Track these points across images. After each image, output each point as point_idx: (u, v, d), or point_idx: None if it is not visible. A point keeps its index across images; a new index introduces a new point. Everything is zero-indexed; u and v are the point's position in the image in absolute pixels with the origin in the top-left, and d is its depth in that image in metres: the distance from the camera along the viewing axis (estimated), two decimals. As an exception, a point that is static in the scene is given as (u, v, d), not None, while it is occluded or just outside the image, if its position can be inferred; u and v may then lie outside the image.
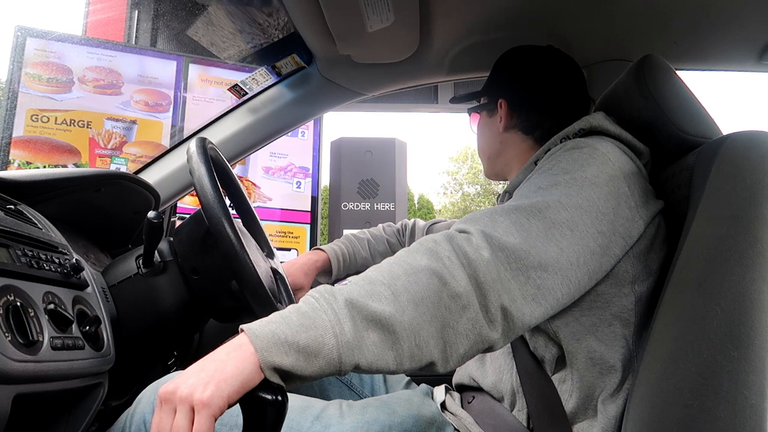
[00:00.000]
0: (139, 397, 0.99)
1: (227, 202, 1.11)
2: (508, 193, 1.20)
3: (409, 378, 1.40)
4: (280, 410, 0.71)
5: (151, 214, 1.04)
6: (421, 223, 1.66)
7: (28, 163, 3.26)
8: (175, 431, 0.67)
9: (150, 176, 1.72)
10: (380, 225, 1.70)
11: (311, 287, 1.49)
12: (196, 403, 0.67)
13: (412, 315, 0.76)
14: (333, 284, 1.17)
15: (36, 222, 1.00)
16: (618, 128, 1.09)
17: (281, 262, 1.42)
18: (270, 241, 1.39)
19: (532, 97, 1.24)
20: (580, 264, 0.87)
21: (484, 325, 0.79)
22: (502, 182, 1.45)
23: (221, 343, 0.73)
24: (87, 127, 3.46)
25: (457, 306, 0.78)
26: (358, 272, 1.42)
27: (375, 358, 0.74)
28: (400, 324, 0.75)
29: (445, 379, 1.27)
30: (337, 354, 0.72)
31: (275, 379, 0.71)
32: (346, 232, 1.81)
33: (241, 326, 0.74)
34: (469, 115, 1.42)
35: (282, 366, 0.70)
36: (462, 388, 1.21)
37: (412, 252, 0.83)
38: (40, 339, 0.78)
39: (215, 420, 0.67)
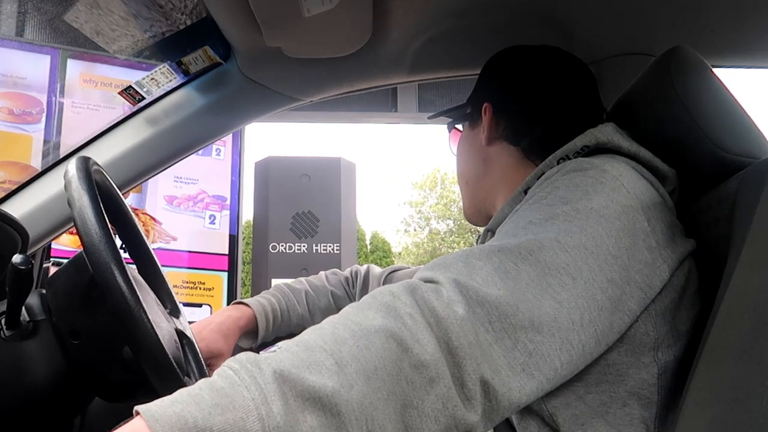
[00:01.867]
0: None
1: (118, 242, 1.10)
2: (491, 231, 1.21)
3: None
4: None
5: (16, 258, 1.03)
6: (376, 270, 1.69)
7: None
8: None
9: (15, 208, 1.70)
10: (322, 273, 1.73)
11: (231, 354, 1.48)
12: None
13: (363, 391, 0.74)
14: (258, 350, 1.16)
15: None
16: (634, 144, 1.10)
17: (190, 323, 1.42)
18: (175, 295, 1.40)
19: (521, 99, 1.27)
20: (584, 323, 0.87)
21: (459, 404, 0.78)
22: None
23: (109, 430, 0.70)
24: None
25: (423, 379, 0.77)
26: (291, 334, 1.40)
27: (314, 448, 0.72)
28: (346, 403, 0.73)
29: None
30: (264, 443, 0.69)
31: (183, 479, 0.69)
32: (275, 281, 1.80)
33: (136, 407, 0.70)
34: (449, 131, 1.43)
35: (191, 461, 0.68)
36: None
37: (363, 308, 0.82)
38: None
39: None
